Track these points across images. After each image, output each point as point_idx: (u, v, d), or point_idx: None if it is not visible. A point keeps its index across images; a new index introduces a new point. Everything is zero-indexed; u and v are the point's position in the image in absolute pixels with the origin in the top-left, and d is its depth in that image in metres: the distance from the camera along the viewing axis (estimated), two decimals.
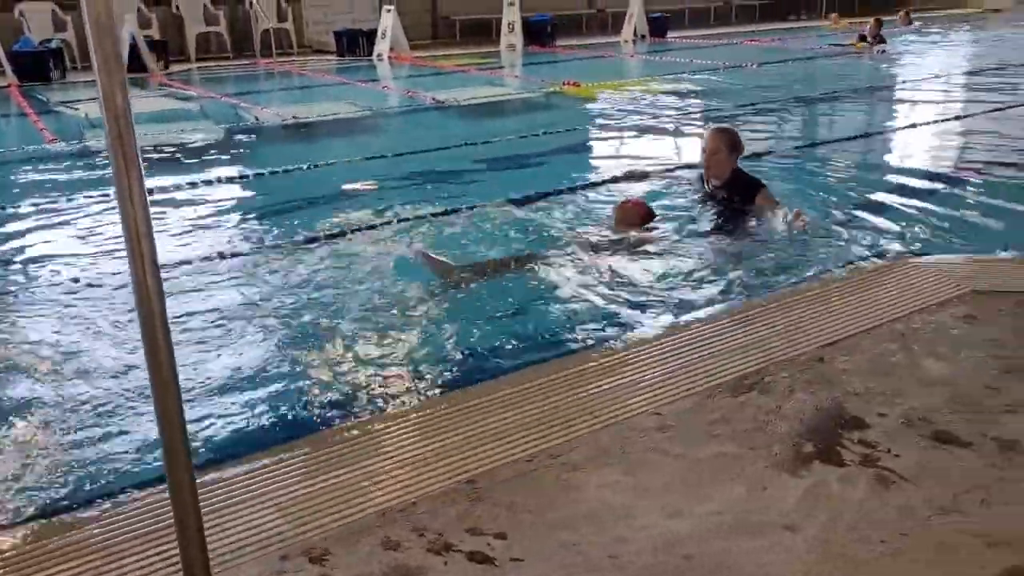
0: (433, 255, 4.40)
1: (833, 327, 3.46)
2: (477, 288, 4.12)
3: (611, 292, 4.06)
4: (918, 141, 7.33)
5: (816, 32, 18.75)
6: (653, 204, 5.05)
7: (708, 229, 4.83)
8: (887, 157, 6.61)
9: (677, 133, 8.05)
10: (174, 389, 1.64)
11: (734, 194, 4.98)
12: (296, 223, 5.33)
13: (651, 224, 4.84)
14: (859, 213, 5.11)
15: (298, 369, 3.38)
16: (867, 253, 4.42)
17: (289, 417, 3.03)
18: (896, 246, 4.53)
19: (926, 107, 9.46)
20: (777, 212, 4.85)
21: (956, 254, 4.36)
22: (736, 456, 2.60)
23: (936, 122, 8.35)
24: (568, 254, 4.52)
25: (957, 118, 8.53)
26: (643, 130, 8.22)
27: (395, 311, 3.88)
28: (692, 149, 7.18)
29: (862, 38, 15.43)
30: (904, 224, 4.90)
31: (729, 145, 5.01)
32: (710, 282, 4.13)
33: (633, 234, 4.70)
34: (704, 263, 4.38)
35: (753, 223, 4.82)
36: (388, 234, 5.01)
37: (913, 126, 8.22)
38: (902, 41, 16.08)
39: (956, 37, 17.38)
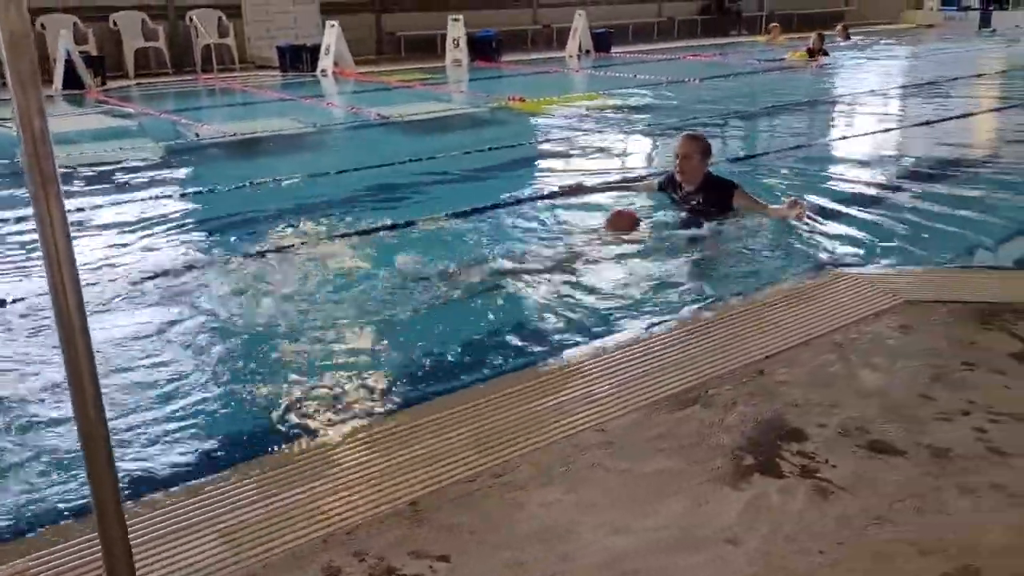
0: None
1: (773, 340, 3.52)
2: (419, 306, 4.11)
3: (557, 308, 4.07)
4: (855, 154, 7.51)
5: (756, 47, 19.14)
6: (641, 213, 5.26)
7: (684, 235, 4.97)
8: (825, 170, 6.76)
9: (623, 148, 8.14)
10: (98, 414, 1.60)
11: (708, 197, 5.19)
12: (235, 240, 5.27)
13: (636, 231, 5.02)
14: (797, 226, 5.21)
15: (239, 390, 3.32)
16: (806, 266, 4.51)
17: (231, 440, 2.98)
18: (833, 258, 4.62)
19: (863, 120, 9.73)
20: (769, 207, 5.09)
21: (891, 266, 4.48)
22: (678, 470, 2.62)
23: (872, 134, 8.58)
24: (515, 269, 4.54)
25: (891, 130, 8.79)
26: (588, 144, 8.29)
27: (337, 330, 3.84)
28: (636, 162, 7.28)
29: (810, 52, 15.87)
30: (841, 237, 5.02)
31: (701, 151, 5.24)
32: (657, 296, 4.18)
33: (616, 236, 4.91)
34: (654, 276, 4.44)
35: (729, 226, 5.00)
36: (331, 250, 4.97)
37: (850, 138, 8.44)
38: (841, 56, 16.51)
39: (891, 52, 17.90)
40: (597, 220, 5.32)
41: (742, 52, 17.95)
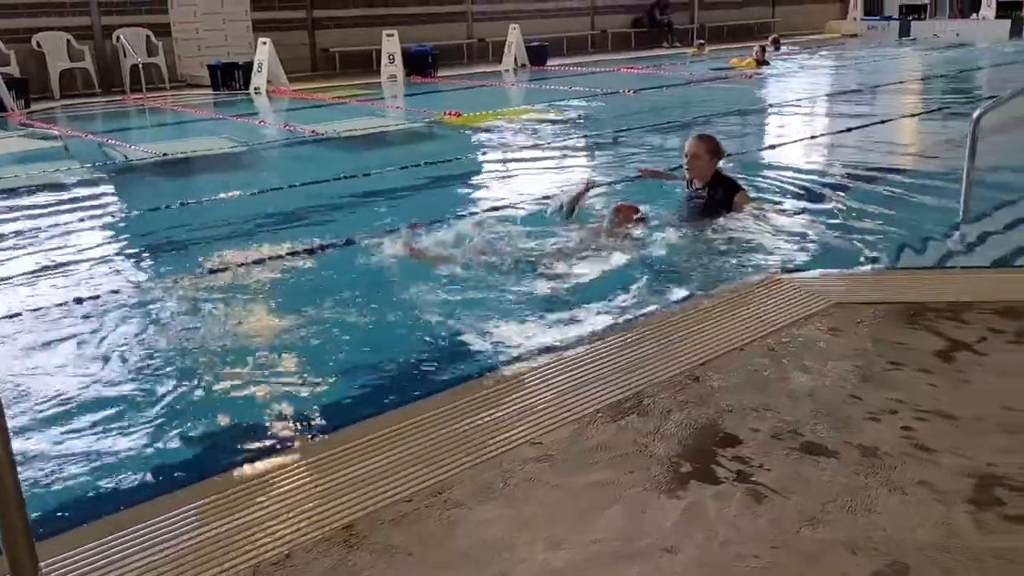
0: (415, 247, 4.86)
1: (708, 346, 3.55)
2: (352, 326, 4.06)
3: (494, 321, 4.05)
4: (786, 161, 7.66)
5: (687, 59, 19.48)
6: (647, 204, 5.49)
7: (677, 228, 5.27)
8: (758, 176, 6.88)
9: (559, 162, 8.19)
10: (4, 454, 1.53)
11: (714, 194, 5.47)
12: (163, 263, 5.15)
13: (636, 222, 5.21)
14: (731, 232, 5.29)
15: (167, 418, 3.23)
16: (741, 272, 4.57)
17: (158, 470, 2.89)
18: (766, 263, 4.69)
19: (792, 127, 9.94)
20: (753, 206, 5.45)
21: (821, 269, 4.56)
22: (615, 481, 2.62)
23: (801, 141, 8.77)
24: (450, 284, 4.52)
25: (820, 136, 9.00)
26: (524, 156, 8.32)
27: (269, 353, 3.76)
28: (573, 173, 7.32)
29: (759, 62, 16.42)
30: (775, 242, 5.10)
31: (710, 150, 5.49)
32: (594, 305, 4.18)
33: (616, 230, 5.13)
34: (593, 285, 4.46)
35: (723, 220, 5.30)
36: (262, 270, 4.88)
37: (780, 146, 8.61)
38: (773, 65, 16.90)
39: (819, 60, 18.37)
40: (530, 235, 5.35)
41: (675, 64, 18.24)
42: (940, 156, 7.51)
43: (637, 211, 5.31)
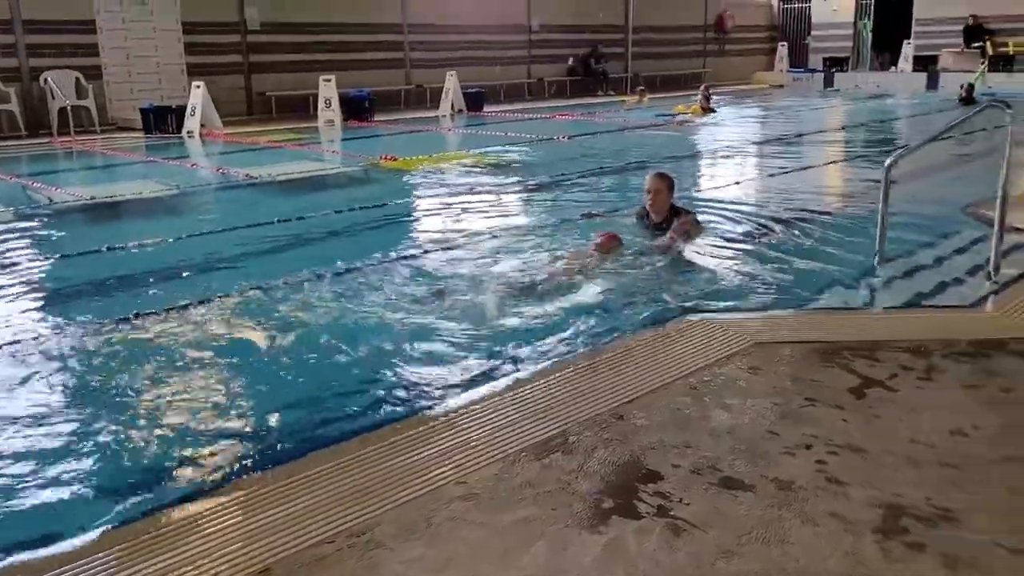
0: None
1: (633, 385, 3.63)
2: (279, 367, 4.05)
3: (422, 360, 4.10)
4: (713, 205, 7.88)
5: (622, 107, 19.97)
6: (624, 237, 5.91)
7: (635, 260, 5.69)
8: None
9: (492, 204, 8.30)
10: None
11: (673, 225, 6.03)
12: (86, 308, 5.05)
13: (617, 251, 5.71)
14: (659, 273, 5.43)
15: (83, 462, 3.16)
16: (664, 312, 4.69)
17: (72, 516, 2.82)
18: (690, 304, 4.83)
19: (719, 173, 10.24)
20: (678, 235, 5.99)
21: (742, 310, 4.71)
22: (539, 519, 2.65)
23: (727, 186, 9.04)
24: (378, 325, 4.55)
25: (745, 182, 9.29)
26: (459, 200, 8.41)
27: (191, 396, 3.73)
28: (508, 216, 7.43)
29: (705, 109, 17.15)
30: (697, 283, 5.27)
31: (668, 186, 6.15)
32: (524, 345, 4.25)
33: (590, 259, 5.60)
34: (523, 324, 4.56)
35: (682, 248, 5.87)
36: (188, 313, 4.83)
37: (707, 190, 8.87)
38: (717, 113, 17.50)
39: (747, 110, 18.99)
40: (465, 276, 5.42)
41: (609, 111, 18.67)
42: (859, 201, 7.83)
43: (619, 240, 5.83)
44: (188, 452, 3.24)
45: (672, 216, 6.12)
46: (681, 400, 3.46)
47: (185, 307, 4.98)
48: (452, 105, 18.46)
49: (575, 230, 6.82)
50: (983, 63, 22.53)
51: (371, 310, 4.88)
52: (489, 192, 8.97)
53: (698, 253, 5.88)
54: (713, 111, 17.51)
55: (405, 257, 6.10)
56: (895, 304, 4.90)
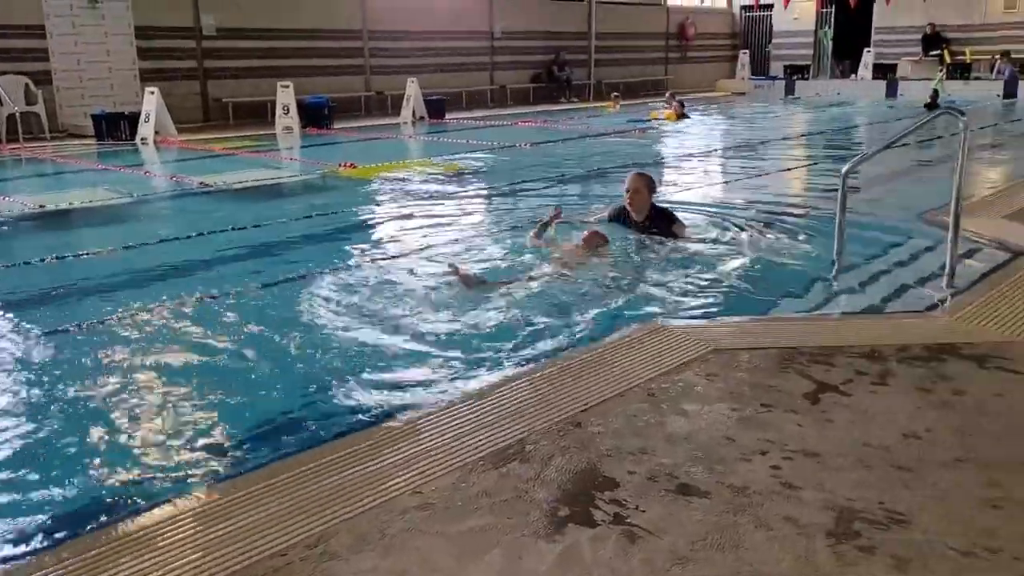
0: (462, 271, 5.49)
1: (591, 392, 3.67)
2: (230, 377, 4.03)
3: (379, 368, 4.12)
4: (674, 210, 7.97)
5: (586, 113, 20.13)
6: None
7: (630, 256, 6.05)
8: None
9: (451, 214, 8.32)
10: None
11: (655, 225, 6.39)
12: (34, 319, 4.97)
13: (603, 248, 5.99)
14: (618, 279, 5.49)
15: (33, 475, 3.12)
16: (623, 318, 4.75)
17: (19, 532, 2.78)
18: (648, 311, 4.91)
19: (682, 179, 10.35)
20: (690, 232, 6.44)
21: (701, 317, 4.79)
22: (495, 528, 2.67)
23: (690, 190, 9.13)
24: (334, 333, 4.55)
25: (707, 187, 9.41)
26: (419, 209, 8.42)
27: (141, 408, 3.70)
28: (469, 224, 7.45)
29: (679, 115, 17.64)
30: (658, 289, 5.35)
31: (648, 186, 6.45)
32: (484, 351, 4.30)
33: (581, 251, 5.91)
34: (485, 329, 4.61)
35: (671, 246, 6.18)
36: (138, 323, 4.79)
37: (670, 196, 8.96)
38: (691, 119, 17.74)
39: (710, 118, 19.21)
40: (423, 283, 5.44)
41: (572, 118, 18.79)
42: (818, 207, 7.96)
43: (605, 239, 6.08)
44: (139, 465, 3.21)
45: (653, 215, 6.40)
46: (639, 407, 3.50)
47: (135, 316, 4.94)
48: (413, 112, 18.45)
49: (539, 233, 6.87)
50: (941, 71, 23.05)
51: (327, 319, 4.88)
52: (450, 199, 8.99)
53: (661, 259, 5.96)
54: (687, 117, 17.94)
55: (363, 265, 6.09)
56: (852, 309, 5.00)
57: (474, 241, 6.83)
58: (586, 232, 6.18)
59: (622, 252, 6.13)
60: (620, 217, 6.58)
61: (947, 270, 5.22)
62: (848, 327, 4.58)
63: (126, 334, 4.66)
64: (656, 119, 17.71)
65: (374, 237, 7.35)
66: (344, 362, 4.22)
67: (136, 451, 3.33)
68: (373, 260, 6.27)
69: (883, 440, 3.17)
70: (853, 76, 26.26)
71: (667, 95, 21.08)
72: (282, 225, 7.80)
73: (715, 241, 6.54)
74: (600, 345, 4.29)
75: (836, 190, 5.59)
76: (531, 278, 5.56)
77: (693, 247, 6.34)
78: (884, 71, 25.04)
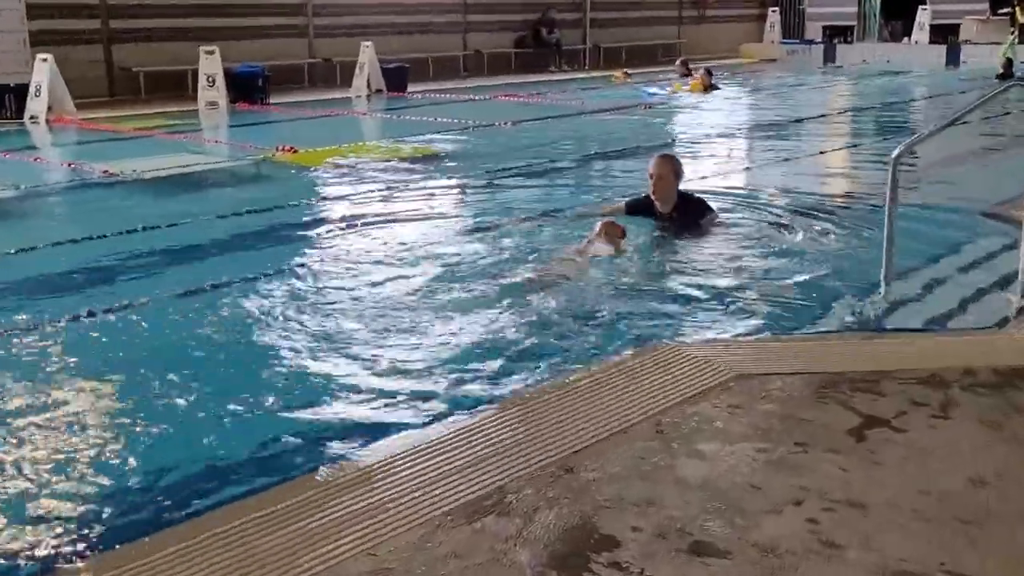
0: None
1: (587, 428, 3.66)
2: (129, 400, 4.03)
3: (337, 397, 4.15)
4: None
5: (581, 85, 20.22)
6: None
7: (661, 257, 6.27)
8: None
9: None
10: None
11: (684, 217, 6.63)
12: None
13: (620, 242, 6.20)
14: (626, 286, 5.54)
15: None
16: (626, 339, 4.77)
17: None
18: (659, 327, 4.94)
19: (699, 166, 10.37)
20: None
21: (720, 336, 4.81)
22: None
23: (707, 178, 9.17)
24: (278, 356, 4.55)
25: (730, 175, 9.46)
26: (374, 205, 8.42)
27: (49, 448, 3.69)
28: (435, 226, 7.46)
29: (707, 87, 18.09)
30: (670, 300, 5.39)
31: (675, 171, 6.70)
32: (458, 380, 4.33)
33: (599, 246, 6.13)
34: (463, 352, 4.64)
35: (695, 245, 6.38)
36: (28, 344, 4.76)
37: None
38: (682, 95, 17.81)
39: (732, 91, 19.33)
40: (381, 295, 5.45)
41: (568, 91, 18.85)
42: (862, 201, 8.03)
43: (622, 232, 6.25)
44: (33, 525, 3.19)
45: (681, 205, 6.66)
46: (645, 446, 3.50)
47: (18, 337, 4.91)
48: (368, 83, 18.47)
49: (525, 234, 6.95)
50: (1013, 33, 23.29)
51: (260, 338, 4.88)
52: (413, 191, 9.00)
53: (682, 261, 6.03)
54: (716, 88, 18.31)
55: (306, 273, 6.09)
56: (905, 326, 5.04)
57: (444, 242, 6.84)
58: (599, 223, 6.36)
59: (636, 252, 6.24)
60: (642, 208, 6.79)
61: (1021, 277, 5.26)
62: (900, 348, 4.60)
63: (2, 357, 4.64)
64: (679, 91, 18.00)
65: (319, 239, 7.33)
66: (281, 393, 4.21)
67: (29, 507, 3.30)
68: (318, 267, 6.26)
69: (944, 486, 3.19)
70: (906, 40, 26.57)
71: (678, 63, 21.25)
72: (205, 224, 7.78)
73: (748, 239, 6.59)
74: (599, 370, 4.29)
75: (883, 180, 5.64)
76: (519, 284, 5.58)
77: (721, 246, 6.40)
78: (943, 33, 25.37)
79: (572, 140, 12.58)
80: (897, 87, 20.03)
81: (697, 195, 7.09)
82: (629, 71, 22.33)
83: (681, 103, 16.98)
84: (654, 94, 18.05)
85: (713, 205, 7.09)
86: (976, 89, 16.81)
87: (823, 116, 15.29)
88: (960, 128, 10.07)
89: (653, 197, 6.70)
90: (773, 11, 28.48)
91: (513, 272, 5.91)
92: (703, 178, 9.25)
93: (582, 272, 5.82)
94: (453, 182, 9.52)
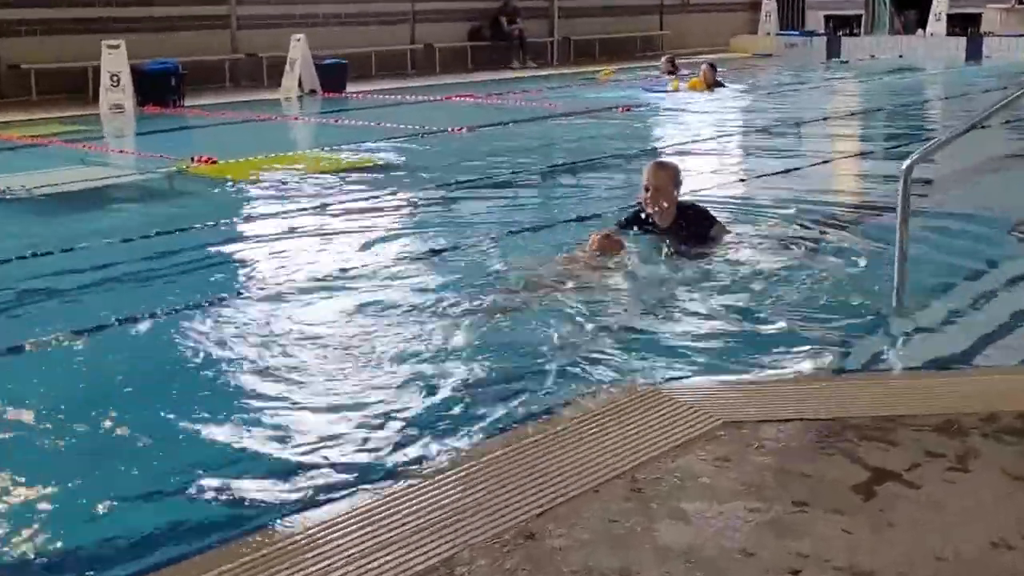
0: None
1: (552, 487, 3.66)
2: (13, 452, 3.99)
3: (246, 453, 4.14)
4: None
5: (549, 83, 20.36)
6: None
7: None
8: None
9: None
10: None
11: (686, 230, 6.75)
12: None
13: (617, 257, 6.48)
14: (605, 315, 5.58)
15: None
16: (600, 380, 4.79)
17: None
18: (639, 365, 4.98)
19: (687, 179, 10.46)
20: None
21: (708, 377, 4.83)
22: None
23: (697, 196, 9.25)
24: (194, 399, 4.56)
25: (721, 188, 9.53)
26: (306, 224, 8.40)
27: None
28: (372, 250, 7.46)
29: (711, 84, 18.53)
30: (655, 333, 5.45)
31: (673, 180, 6.79)
32: (408, 428, 4.33)
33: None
34: (413, 403, 4.63)
35: (692, 267, 6.48)
36: None
37: None
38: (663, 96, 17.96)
39: (721, 90, 19.51)
40: (313, 331, 5.45)
41: (533, 91, 18.96)
42: (872, 216, 8.14)
43: (621, 245, 6.53)
44: None
45: (681, 217, 6.76)
46: (619, 507, 3.51)
47: None
48: (300, 83, 18.49)
49: (482, 257, 7.03)
50: None
51: (175, 387, 4.84)
52: (353, 210, 8.98)
53: (672, 285, 6.12)
54: (721, 86, 18.76)
55: (225, 304, 6.08)
56: (919, 363, 5.07)
57: (390, 269, 6.84)
58: (596, 234, 6.58)
59: (623, 275, 6.31)
60: (637, 223, 6.89)
61: None
62: (914, 390, 4.65)
63: None
64: (676, 90, 18.35)
65: (243, 265, 7.31)
66: (198, 449, 4.19)
67: None
68: (241, 300, 6.24)
69: (965, 551, 3.21)
70: (920, 32, 26.99)
71: (663, 59, 21.47)
72: (108, 248, 7.75)
73: (745, 261, 6.63)
74: (567, 418, 4.29)
75: (894, 191, 5.70)
76: (476, 315, 5.65)
77: (718, 268, 6.45)
78: (963, 24, 25.82)
79: (538, 148, 12.65)
80: (911, 85, 20.34)
81: (699, 204, 7.21)
82: (615, 69, 22.54)
83: (666, 105, 17.12)
84: (651, 92, 18.28)
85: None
86: (1001, 88, 17.10)
87: (826, 119, 15.47)
88: (982, 133, 10.23)
89: (649, 210, 6.76)
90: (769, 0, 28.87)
91: (470, 301, 5.92)
92: (692, 191, 9.32)
93: (554, 294, 5.92)
94: (399, 198, 9.52)
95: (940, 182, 9.24)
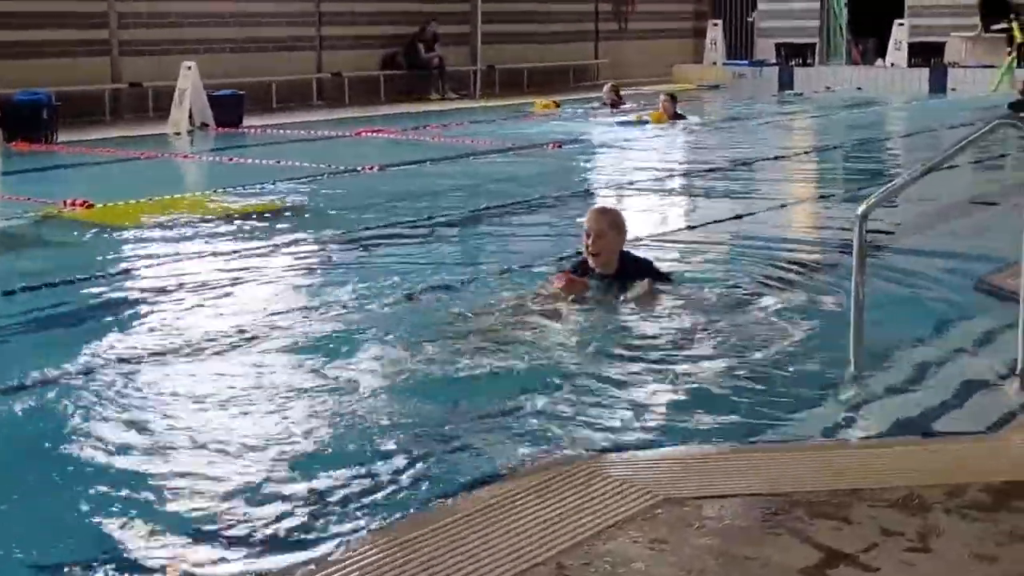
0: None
1: (466, 574, 3.65)
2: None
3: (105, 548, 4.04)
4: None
5: (471, 116, 20.47)
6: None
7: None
8: None
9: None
10: None
11: (630, 280, 6.96)
12: None
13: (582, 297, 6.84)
14: (517, 392, 5.55)
15: None
16: (523, 453, 4.79)
17: None
18: (567, 434, 4.98)
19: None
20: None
21: (647, 449, 4.85)
22: None
23: (636, 243, 9.33)
24: (102, 468, 4.59)
25: (649, 239, 9.62)
26: (194, 278, 8.33)
27: None
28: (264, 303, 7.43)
29: (672, 116, 18.91)
30: (586, 397, 5.46)
31: (616, 226, 7.10)
32: (290, 511, 4.29)
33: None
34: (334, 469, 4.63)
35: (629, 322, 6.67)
36: None
37: None
38: (602, 129, 18.22)
39: (659, 126, 19.76)
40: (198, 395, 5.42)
41: (452, 126, 19.04)
42: (825, 269, 8.26)
43: (586, 286, 6.87)
44: None
45: (624, 267, 7.04)
46: None
47: None
48: (191, 116, 18.36)
49: (394, 311, 7.06)
50: (1011, 54, 24.31)
51: (48, 467, 4.77)
52: (251, 259, 8.93)
53: (599, 346, 6.16)
54: (683, 117, 19.15)
55: (101, 369, 6.02)
56: (876, 433, 5.13)
57: (292, 326, 6.82)
58: (557, 275, 7.03)
59: (560, 329, 6.44)
60: (578, 272, 7.06)
61: (1019, 368, 5.43)
62: (870, 459, 4.70)
63: None
64: (640, 121, 18.85)
65: (120, 323, 7.23)
66: (78, 534, 4.13)
67: None
68: (123, 364, 6.16)
69: None
70: (880, 61, 27.56)
71: (606, 88, 21.70)
72: None
73: (689, 316, 6.69)
74: (485, 496, 4.28)
75: (849, 241, 5.79)
76: (388, 375, 5.71)
77: (661, 324, 6.52)
78: (926, 53, 26.36)
79: (458, 189, 12.68)
80: (870, 120, 20.72)
81: (641, 256, 7.45)
82: (558, 100, 22.68)
83: (601, 140, 17.30)
84: (626, 122, 18.95)
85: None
86: (968, 124, 17.46)
87: (777, 158, 15.68)
88: (948, 172, 10.38)
89: (590, 259, 6.99)
90: (715, 24, 29.27)
91: (378, 363, 5.90)
92: (636, 239, 9.43)
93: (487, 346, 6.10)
94: (303, 246, 9.49)
95: (903, 227, 9.41)
